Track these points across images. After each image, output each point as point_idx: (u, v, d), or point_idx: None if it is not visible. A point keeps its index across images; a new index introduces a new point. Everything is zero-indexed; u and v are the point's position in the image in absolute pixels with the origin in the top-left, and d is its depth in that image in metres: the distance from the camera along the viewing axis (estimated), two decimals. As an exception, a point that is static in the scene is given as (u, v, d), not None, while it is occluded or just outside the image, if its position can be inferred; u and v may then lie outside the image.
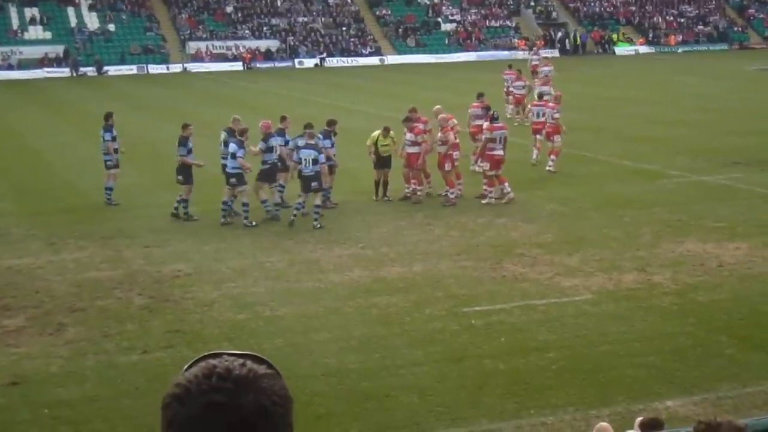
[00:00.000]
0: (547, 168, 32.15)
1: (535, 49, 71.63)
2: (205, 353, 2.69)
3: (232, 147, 26.07)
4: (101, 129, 29.32)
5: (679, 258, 21.89)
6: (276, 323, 18.08)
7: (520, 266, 21.51)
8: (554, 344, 16.63)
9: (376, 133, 29.19)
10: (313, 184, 25.78)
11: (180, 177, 27.01)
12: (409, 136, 28.64)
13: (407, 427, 13.59)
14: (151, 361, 16.13)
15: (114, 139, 29.22)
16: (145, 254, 23.25)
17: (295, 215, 26.01)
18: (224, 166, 26.68)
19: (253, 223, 25.92)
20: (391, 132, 29.09)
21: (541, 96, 37.77)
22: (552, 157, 32.22)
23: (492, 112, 29.31)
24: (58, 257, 23.12)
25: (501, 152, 28.09)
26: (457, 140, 29.00)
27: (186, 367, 2.66)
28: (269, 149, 26.92)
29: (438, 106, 30.22)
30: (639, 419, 8.81)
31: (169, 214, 27.07)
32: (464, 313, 18.33)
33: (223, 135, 28.01)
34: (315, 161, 25.72)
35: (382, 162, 28.95)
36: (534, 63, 57.35)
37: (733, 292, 19.35)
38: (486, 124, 28.98)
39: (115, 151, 29.04)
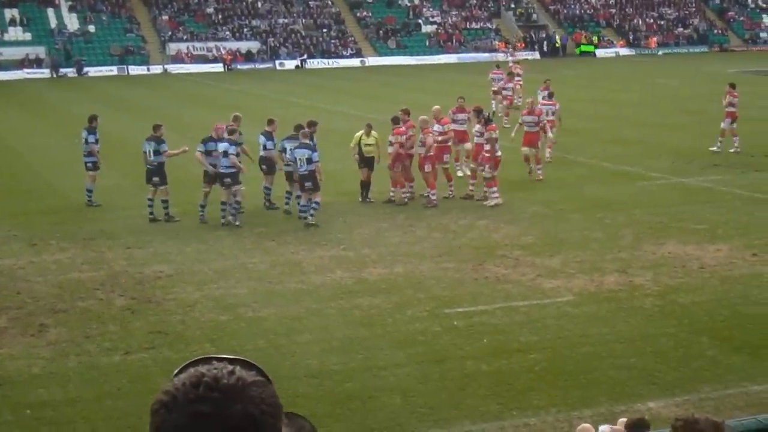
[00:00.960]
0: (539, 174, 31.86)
1: (510, 49, 72.13)
2: (196, 358, 2.68)
3: (225, 146, 26.02)
4: (84, 130, 29.26)
5: (660, 260, 21.96)
6: (258, 324, 18.07)
7: (502, 268, 21.55)
8: (536, 345, 16.67)
9: (359, 133, 29.19)
10: (307, 183, 25.85)
11: (156, 179, 26.79)
12: (390, 137, 28.67)
13: (389, 428, 13.59)
14: (133, 362, 16.10)
15: (97, 141, 29.13)
16: (126, 255, 23.21)
17: (287, 203, 26.73)
18: (214, 165, 26.53)
19: (237, 223, 25.93)
20: (374, 131, 29.07)
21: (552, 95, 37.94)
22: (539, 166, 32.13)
23: (487, 114, 29.18)
24: (39, 258, 23.05)
25: (500, 153, 28.18)
26: (450, 143, 29.20)
27: (176, 372, 2.64)
28: (209, 153, 26.76)
29: (436, 107, 30.12)
30: (622, 420, 8.84)
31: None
32: (446, 315, 18.35)
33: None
34: (309, 160, 25.72)
35: (366, 162, 28.95)
36: (510, 65, 57.37)
37: (714, 294, 19.43)
38: (477, 127, 28.96)
39: (97, 152, 28.95)
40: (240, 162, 26.31)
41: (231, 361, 2.66)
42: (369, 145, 28.88)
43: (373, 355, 16.39)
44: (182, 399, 2.53)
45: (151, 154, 26.91)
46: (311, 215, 25.87)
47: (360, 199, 28.85)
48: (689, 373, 15.33)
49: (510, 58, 60.47)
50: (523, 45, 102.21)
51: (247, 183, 27.13)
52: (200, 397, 2.52)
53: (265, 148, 27.87)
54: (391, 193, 28.81)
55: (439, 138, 28.71)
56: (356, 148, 28.97)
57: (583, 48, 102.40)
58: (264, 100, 57.17)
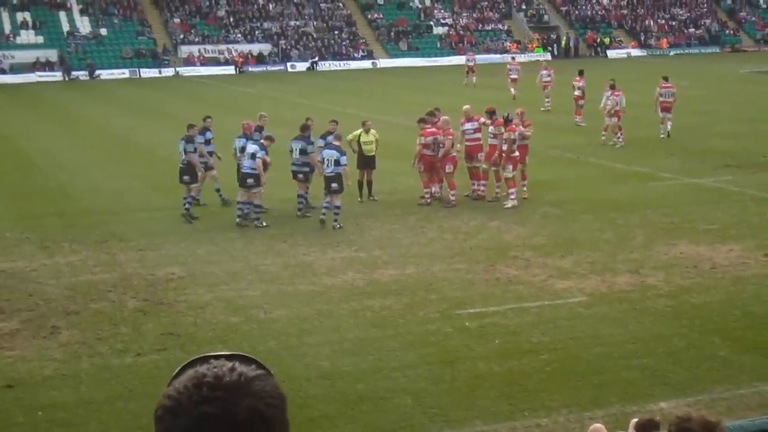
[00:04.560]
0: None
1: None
2: (192, 358, 2.66)
3: (253, 148, 26.14)
4: (181, 141, 27.80)
5: (672, 260, 21.92)
6: (270, 326, 18.08)
7: (513, 269, 21.53)
8: (548, 346, 16.64)
9: (358, 131, 29.21)
10: (333, 184, 25.86)
11: (186, 177, 26.98)
12: (469, 125, 28.79)
13: (401, 429, 13.58)
14: (145, 364, 16.11)
15: (208, 142, 28.64)
16: (138, 257, 23.24)
17: (324, 213, 26.30)
18: (239, 167, 26.85)
19: (264, 224, 26.13)
20: (372, 129, 29.08)
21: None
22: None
23: (506, 114, 29.04)
24: (51, 261, 23.09)
25: (518, 153, 28.19)
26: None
27: (174, 374, 2.62)
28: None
29: (467, 106, 30.11)
30: (634, 420, 8.83)
31: (163, 216, 27.18)
32: (458, 316, 18.34)
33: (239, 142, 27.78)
34: (337, 162, 25.82)
35: (366, 161, 28.94)
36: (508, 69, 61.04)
37: (726, 294, 19.39)
38: (491, 128, 28.93)
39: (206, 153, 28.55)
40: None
41: (229, 358, 2.64)
42: (368, 143, 28.85)
43: (384, 356, 16.38)
44: (187, 402, 2.52)
45: (183, 153, 27.13)
46: (335, 220, 25.88)
47: (359, 199, 28.76)
48: (701, 373, 15.29)
49: (511, 67, 61.88)
50: (536, 45, 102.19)
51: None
52: (205, 398, 2.51)
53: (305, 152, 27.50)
54: (426, 195, 28.70)
55: (473, 135, 29.06)
56: (354, 143, 28.95)
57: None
58: (276, 103, 57.18)
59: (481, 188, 29.06)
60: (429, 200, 28.38)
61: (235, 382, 2.54)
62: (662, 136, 40.35)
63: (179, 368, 2.64)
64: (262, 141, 26.53)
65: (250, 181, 25.97)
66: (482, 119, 29.16)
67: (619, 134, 38.36)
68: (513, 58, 68.49)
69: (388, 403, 14.45)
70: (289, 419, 2.62)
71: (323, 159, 26.16)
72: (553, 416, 13.79)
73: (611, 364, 15.82)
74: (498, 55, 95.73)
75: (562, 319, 18.08)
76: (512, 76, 58.63)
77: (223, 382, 2.53)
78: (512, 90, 57.09)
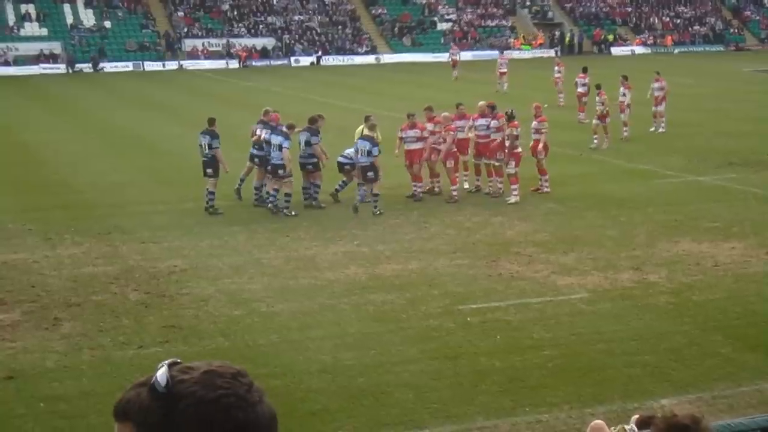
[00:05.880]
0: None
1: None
2: (163, 362, 2.70)
3: (278, 139, 26.55)
4: (304, 132, 27.94)
5: (675, 257, 21.91)
6: (272, 320, 18.09)
7: (516, 264, 21.53)
8: (550, 342, 16.64)
9: (360, 127, 29.24)
10: (369, 173, 26.73)
11: (210, 170, 27.09)
12: (412, 132, 28.63)
13: (402, 423, 13.59)
14: (147, 357, 16.09)
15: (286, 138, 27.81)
16: (141, 250, 23.24)
17: (358, 201, 27.03)
18: (263, 158, 27.31)
19: (293, 213, 26.58)
20: (374, 124, 29.07)
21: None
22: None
23: (510, 110, 28.97)
24: (53, 252, 23.10)
25: (521, 149, 28.19)
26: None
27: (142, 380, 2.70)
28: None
29: (482, 102, 30.15)
30: (635, 417, 8.82)
31: (166, 209, 27.27)
32: (460, 311, 18.34)
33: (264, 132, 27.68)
34: (369, 153, 26.59)
35: None
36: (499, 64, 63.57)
37: (728, 292, 19.37)
38: (493, 122, 28.91)
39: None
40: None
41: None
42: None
43: (386, 350, 16.38)
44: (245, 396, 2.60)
45: (206, 147, 27.23)
46: (375, 206, 26.62)
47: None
48: (703, 370, 15.29)
49: (501, 60, 63.36)
50: (542, 41, 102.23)
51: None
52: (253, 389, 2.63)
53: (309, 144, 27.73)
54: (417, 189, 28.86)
55: (485, 132, 29.17)
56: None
57: (525, 48, 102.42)
58: (279, 97, 57.10)
59: (498, 184, 28.95)
60: (421, 194, 28.49)
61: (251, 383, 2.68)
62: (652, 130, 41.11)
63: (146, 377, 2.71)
64: (284, 129, 26.97)
65: (281, 171, 26.50)
66: (498, 120, 29.00)
67: (595, 137, 37.74)
68: (502, 53, 73.70)
69: (390, 397, 14.46)
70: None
71: (357, 149, 27.01)
72: (554, 412, 13.80)
73: (613, 360, 15.83)
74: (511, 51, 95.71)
75: (564, 315, 18.08)
76: (501, 70, 61.47)
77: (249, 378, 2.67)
78: (503, 84, 60.03)
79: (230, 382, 2.57)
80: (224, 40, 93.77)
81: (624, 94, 40.17)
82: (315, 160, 27.61)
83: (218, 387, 2.55)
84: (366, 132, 27.62)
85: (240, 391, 2.56)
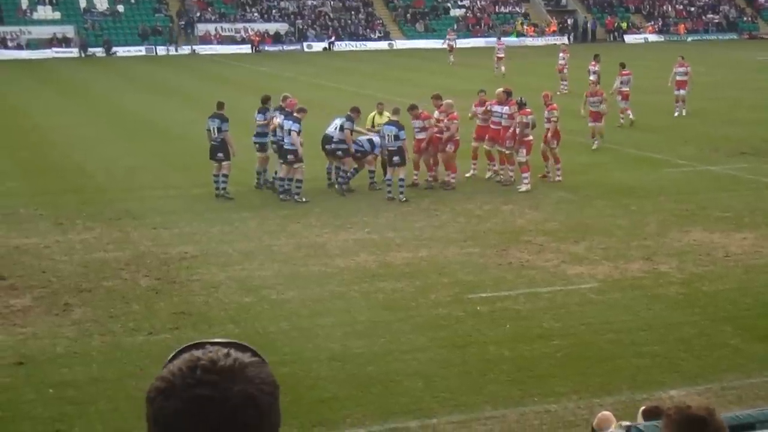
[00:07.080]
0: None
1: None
2: (188, 344, 2.67)
3: (289, 124, 26.55)
4: (344, 118, 28.14)
5: (686, 247, 21.88)
6: (282, 307, 18.11)
7: (526, 253, 21.52)
8: (559, 332, 16.64)
9: (372, 113, 29.23)
10: (395, 158, 26.81)
11: (220, 154, 27.15)
12: (416, 122, 28.50)
13: (411, 412, 13.61)
14: (157, 343, 16.14)
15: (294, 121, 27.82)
16: (152, 236, 23.27)
17: (390, 191, 27.13)
18: (277, 143, 27.36)
19: (304, 200, 26.64)
20: (386, 111, 28.97)
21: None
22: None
23: (520, 98, 28.92)
24: (65, 237, 23.15)
25: (531, 137, 28.14)
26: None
27: (169, 358, 2.63)
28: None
29: (500, 89, 30.11)
30: (643, 408, 8.84)
31: (177, 195, 27.35)
32: (469, 300, 18.35)
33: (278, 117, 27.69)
34: (396, 137, 26.72)
35: None
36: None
37: (739, 282, 19.35)
38: (506, 108, 28.83)
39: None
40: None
41: (224, 345, 2.64)
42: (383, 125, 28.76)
43: (395, 338, 16.40)
44: (180, 384, 2.52)
45: (215, 131, 27.29)
46: (401, 192, 26.75)
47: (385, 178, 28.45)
48: (712, 361, 15.29)
49: (498, 47, 64.38)
50: (555, 29, 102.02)
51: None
52: (199, 381, 2.51)
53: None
54: (430, 177, 28.85)
55: (499, 119, 29.21)
56: (371, 128, 28.95)
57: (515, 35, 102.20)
58: (292, 83, 57.09)
59: (509, 173, 28.95)
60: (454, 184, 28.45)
61: (229, 367, 2.54)
62: (620, 123, 40.10)
63: (174, 353, 2.65)
64: (296, 114, 26.94)
65: (290, 157, 26.46)
66: (510, 107, 28.95)
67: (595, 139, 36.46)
68: (499, 38, 74.71)
69: (399, 386, 14.48)
70: (280, 409, 2.63)
71: (384, 135, 27.18)
72: (562, 402, 13.81)
73: (622, 350, 15.83)
74: (515, 39, 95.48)
75: (574, 304, 18.08)
76: (498, 55, 64.57)
77: (217, 366, 2.54)
78: (501, 68, 62.67)
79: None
80: (237, 25, 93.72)
81: (623, 83, 40.52)
82: (345, 146, 27.75)
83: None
84: (391, 117, 27.65)
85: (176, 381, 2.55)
